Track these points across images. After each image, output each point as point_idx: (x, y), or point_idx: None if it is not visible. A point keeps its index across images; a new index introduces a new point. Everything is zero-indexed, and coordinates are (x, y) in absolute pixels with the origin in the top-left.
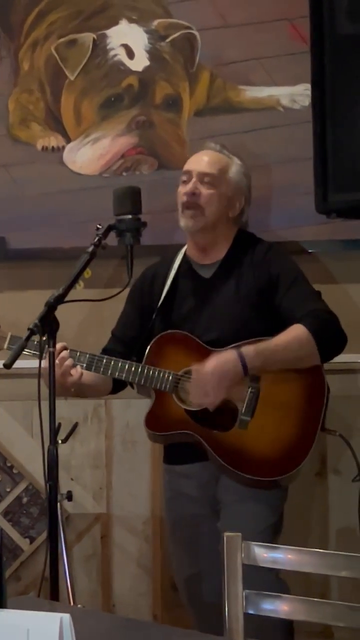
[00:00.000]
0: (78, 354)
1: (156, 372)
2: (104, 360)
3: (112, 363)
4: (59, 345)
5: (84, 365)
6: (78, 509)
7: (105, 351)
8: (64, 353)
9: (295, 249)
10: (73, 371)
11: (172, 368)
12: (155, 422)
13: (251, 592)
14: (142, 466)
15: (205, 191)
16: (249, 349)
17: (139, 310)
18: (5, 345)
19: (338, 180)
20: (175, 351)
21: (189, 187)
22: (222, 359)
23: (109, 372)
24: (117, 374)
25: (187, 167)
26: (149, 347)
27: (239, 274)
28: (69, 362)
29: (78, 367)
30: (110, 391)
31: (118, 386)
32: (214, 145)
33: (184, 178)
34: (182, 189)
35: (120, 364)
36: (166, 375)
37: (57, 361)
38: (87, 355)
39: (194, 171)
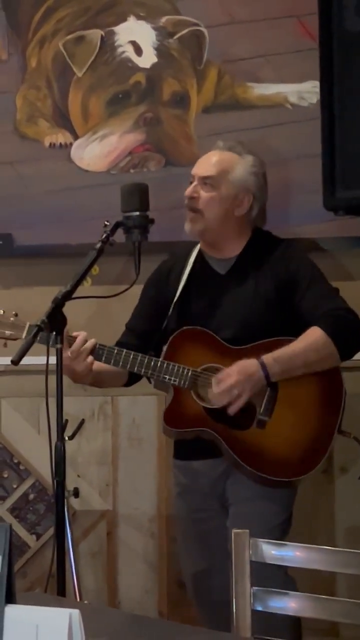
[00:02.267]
0: (98, 346)
1: (175, 368)
2: (123, 354)
3: (132, 357)
4: (82, 335)
5: (103, 357)
6: (84, 506)
7: (119, 344)
8: (89, 344)
9: (308, 246)
10: (89, 359)
11: (190, 364)
12: (173, 418)
13: (259, 589)
14: (148, 463)
15: (204, 194)
16: (267, 357)
17: (154, 304)
18: (24, 335)
19: (346, 177)
20: (194, 347)
21: (188, 190)
22: (246, 364)
23: (128, 365)
24: (135, 368)
25: (192, 170)
26: (168, 342)
27: (255, 271)
28: (89, 344)
29: (90, 357)
30: (125, 382)
31: (133, 378)
32: (223, 144)
33: (190, 180)
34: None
35: (139, 358)
36: (185, 372)
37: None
38: (107, 348)
39: (195, 175)
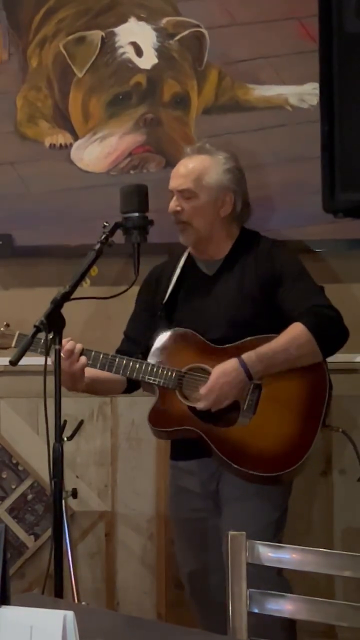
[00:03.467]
0: (84, 350)
1: (159, 370)
2: (109, 358)
3: (117, 361)
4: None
5: (90, 361)
6: (83, 507)
7: (118, 353)
8: (78, 348)
9: (302, 248)
10: (82, 358)
11: (176, 365)
12: (158, 418)
13: (255, 591)
14: (147, 464)
15: (187, 206)
16: (249, 355)
17: (149, 309)
18: (13, 344)
19: (345, 180)
20: (179, 348)
21: (170, 206)
22: (226, 368)
23: (114, 369)
24: (121, 371)
25: (169, 185)
26: (153, 345)
27: (242, 270)
28: (79, 347)
29: (83, 357)
30: (124, 390)
31: (132, 386)
32: (190, 149)
33: (170, 195)
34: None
35: (124, 362)
36: (169, 373)
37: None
38: (93, 353)
39: (173, 190)
